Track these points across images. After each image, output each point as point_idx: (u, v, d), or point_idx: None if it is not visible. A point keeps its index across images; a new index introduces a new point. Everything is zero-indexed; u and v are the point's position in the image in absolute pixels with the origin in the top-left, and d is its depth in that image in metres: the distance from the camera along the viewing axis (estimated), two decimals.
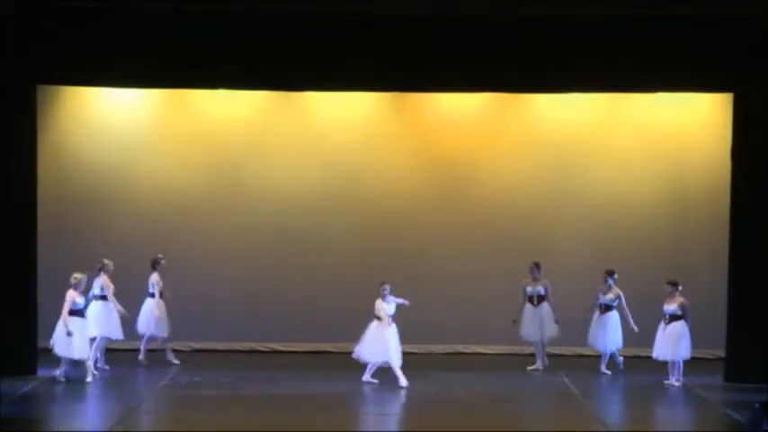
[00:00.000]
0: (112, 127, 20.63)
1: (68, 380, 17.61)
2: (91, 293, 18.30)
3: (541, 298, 19.17)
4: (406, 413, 16.60)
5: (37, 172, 18.21)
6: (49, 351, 18.17)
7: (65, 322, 17.32)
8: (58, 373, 17.65)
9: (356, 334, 17.61)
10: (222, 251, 19.67)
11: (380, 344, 17.51)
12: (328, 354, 20.25)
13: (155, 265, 19.06)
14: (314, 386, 17.65)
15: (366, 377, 17.70)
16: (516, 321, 19.17)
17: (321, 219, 20.51)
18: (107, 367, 18.63)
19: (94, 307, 18.33)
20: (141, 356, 19.16)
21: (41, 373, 17.94)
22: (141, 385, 17.86)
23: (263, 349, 20.53)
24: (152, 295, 19.06)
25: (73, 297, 17.47)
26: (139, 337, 19.18)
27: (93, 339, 18.15)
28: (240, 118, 20.66)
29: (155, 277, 19.06)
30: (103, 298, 18.47)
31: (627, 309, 18.81)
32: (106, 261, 18.61)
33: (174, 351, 19.48)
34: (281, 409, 16.23)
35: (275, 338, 20.56)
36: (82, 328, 17.55)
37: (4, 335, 17.58)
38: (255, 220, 20.55)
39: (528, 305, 19.18)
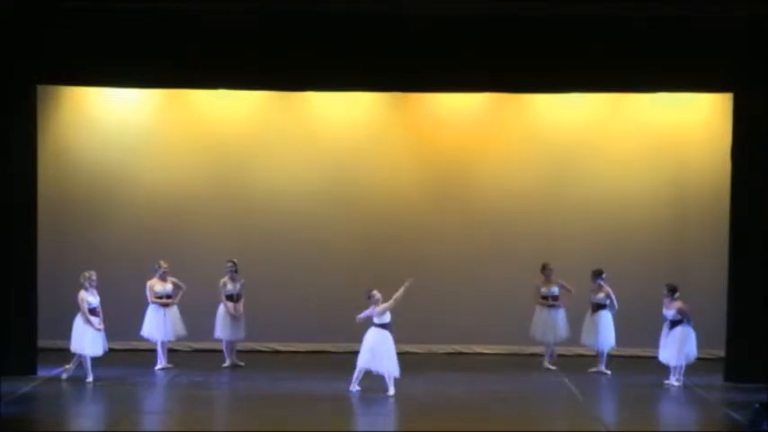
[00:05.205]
0: (112, 127, 20.63)
1: (68, 380, 17.64)
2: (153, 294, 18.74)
3: (555, 298, 19.17)
4: (407, 413, 16.57)
5: (37, 172, 18.21)
6: (48, 351, 18.20)
7: (87, 321, 17.50)
8: (64, 372, 17.70)
9: (356, 334, 17.55)
10: (222, 251, 19.64)
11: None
12: (328, 354, 20.25)
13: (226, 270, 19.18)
14: (314, 386, 17.65)
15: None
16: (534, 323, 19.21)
17: (321, 218, 20.51)
18: (170, 365, 18.80)
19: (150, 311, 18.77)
20: (227, 363, 19.22)
21: (41, 373, 17.96)
22: (141, 385, 17.84)
23: (263, 349, 20.53)
24: (229, 297, 19.15)
25: (83, 297, 17.55)
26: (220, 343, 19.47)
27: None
28: (240, 118, 20.66)
29: (223, 281, 19.15)
30: (159, 299, 18.77)
31: (612, 311, 18.85)
32: (162, 263, 18.81)
33: (175, 351, 19.49)
34: (281, 409, 16.22)
35: (275, 338, 20.57)
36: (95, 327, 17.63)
37: (4, 335, 17.60)
38: (255, 219, 20.55)
39: (542, 306, 19.19)
